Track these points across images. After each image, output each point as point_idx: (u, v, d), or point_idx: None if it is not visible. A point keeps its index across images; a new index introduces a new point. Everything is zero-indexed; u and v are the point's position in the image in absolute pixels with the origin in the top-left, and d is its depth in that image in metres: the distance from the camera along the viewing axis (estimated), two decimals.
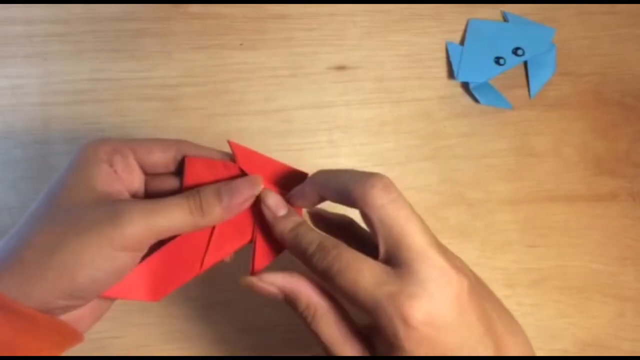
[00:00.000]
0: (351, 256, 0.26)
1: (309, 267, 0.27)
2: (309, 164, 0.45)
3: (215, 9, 0.47)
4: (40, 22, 0.45)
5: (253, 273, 0.29)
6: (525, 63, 0.49)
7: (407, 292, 0.24)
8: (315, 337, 0.28)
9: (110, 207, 0.26)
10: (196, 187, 0.29)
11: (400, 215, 0.25)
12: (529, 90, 0.49)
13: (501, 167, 0.47)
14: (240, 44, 0.47)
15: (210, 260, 0.29)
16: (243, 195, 0.29)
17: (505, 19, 0.50)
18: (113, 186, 0.28)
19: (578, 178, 0.47)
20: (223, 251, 0.30)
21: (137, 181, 0.30)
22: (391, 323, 0.24)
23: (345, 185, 0.27)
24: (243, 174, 0.30)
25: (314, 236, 0.28)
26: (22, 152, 0.43)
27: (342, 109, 0.46)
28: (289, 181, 0.31)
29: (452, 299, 0.25)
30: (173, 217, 0.27)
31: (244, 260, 0.31)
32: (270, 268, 0.29)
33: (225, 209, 0.28)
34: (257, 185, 0.29)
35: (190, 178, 0.30)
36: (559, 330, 0.44)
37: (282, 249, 0.30)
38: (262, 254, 0.30)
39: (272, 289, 0.28)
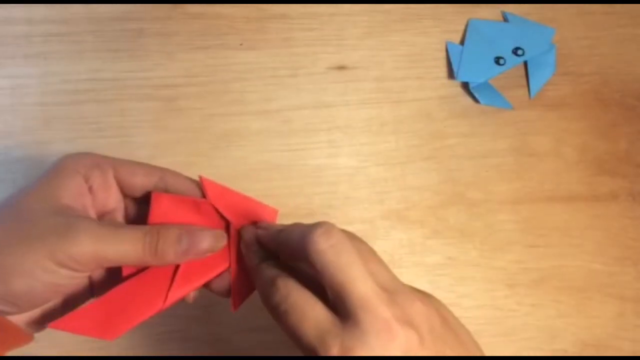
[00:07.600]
0: (299, 298, 0.25)
1: (263, 303, 0.27)
2: (309, 164, 0.45)
3: (215, 9, 0.47)
4: (40, 22, 0.45)
5: (235, 308, 0.30)
6: (525, 63, 0.49)
7: (345, 345, 0.23)
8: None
9: (63, 221, 0.26)
10: (161, 223, 0.29)
11: (341, 261, 0.24)
12: (529, 90, 0.49)
13: (501, 167, 0.47)
14: (240, 44, 0.47)
15: (175, 295, 0.28)
16: (203, 247, 0.28)
17: (505, 19, 0.50)
18: (80, 201, 0.28)
19: (578, 178, 0.47)
20: (191, 284, 0.29)
21: (113, 200, 0.30)
22: None
23: (291, 239, 0.26)
24: (214, 210, 0.30)
25: (271, 272, 0.27)
26: (22, 152, 0.43)
27: (342, 109, 0.46)
28: (261, 218, 0.31)
29: (398, 354, 0.23)
30: (122, 249, 0.26)
31: None
32: None
33: (180, 255, 0.28)
34: (220, 242, 0.29)
35: (155, 214, 0.29)
36: (559, 330, 0.44)
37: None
38: (240, 286, 0.30)
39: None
